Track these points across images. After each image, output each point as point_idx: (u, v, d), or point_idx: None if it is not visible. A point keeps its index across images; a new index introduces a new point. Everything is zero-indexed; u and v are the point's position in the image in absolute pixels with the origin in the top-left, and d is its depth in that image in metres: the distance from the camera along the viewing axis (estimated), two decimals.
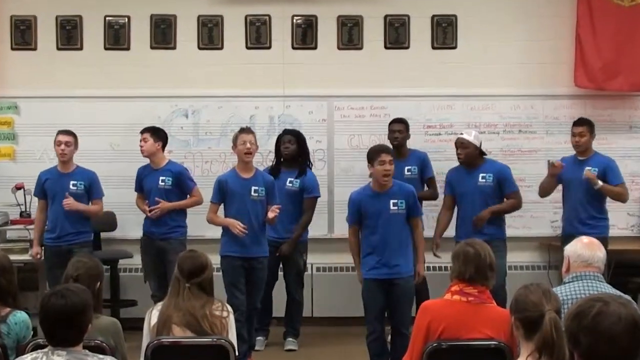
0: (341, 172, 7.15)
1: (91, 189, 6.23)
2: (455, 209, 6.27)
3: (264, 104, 7.16)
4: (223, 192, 5.83)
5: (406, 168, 6.47)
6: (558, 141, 7.06)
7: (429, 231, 6.28)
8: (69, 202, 6.06)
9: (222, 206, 5.89)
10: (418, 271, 5.48)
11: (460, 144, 6.15)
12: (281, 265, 6.47)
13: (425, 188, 6.64)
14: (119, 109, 7.07)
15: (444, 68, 7.20)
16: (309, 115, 7.17)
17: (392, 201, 5.37)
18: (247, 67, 7.18)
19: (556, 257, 6.63)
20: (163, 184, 6.24)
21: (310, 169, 6.53)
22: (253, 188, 5.83)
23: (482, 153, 6.21)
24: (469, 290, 3.51)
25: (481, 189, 6.08)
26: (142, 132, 6.33)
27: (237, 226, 5.72)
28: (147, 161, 6.35)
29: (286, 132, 6.57)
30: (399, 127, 6.58)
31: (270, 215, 5.76)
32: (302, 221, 6.42)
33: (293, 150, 6.42)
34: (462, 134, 6.25)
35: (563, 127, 7.05)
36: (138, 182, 6.35)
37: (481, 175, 6.12)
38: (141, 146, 6.27)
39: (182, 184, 6.30)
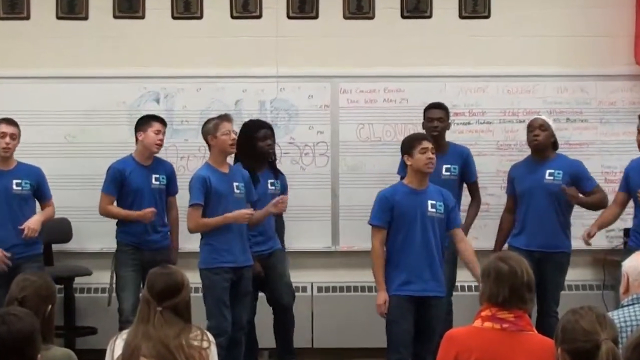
0: (348, 170, 7.16)
1: (40, 189, 6.20)
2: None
3: (252, 87, 7.16)
4: (207, 192, 5.84)
5: (444, 167, 6.38)
6: (615, 132, 7.08)
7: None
8: (29, 230, 5.99)
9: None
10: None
11: (539, 126, 6.25)
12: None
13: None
14: (75, 92, 7.07)
15: (474, 42, 7.21)
16: (308, 100, 7.18)
17: (430, 202, 5.41)
18: (232, 40, 7.19)
19: (613, 275, 6.62)
20: (158, 182, 6.28)
21: None
22: (235, 184, 5.90)
23: (555, 145, 6.29)
24: (503, 316, 3.50)
25: (547, 188, 6.14)
26: (160, 122, 6.27)
27: (243, 212, 5.74)
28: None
29: (261, 124, 6.45)
30: (439, 114, 6.51)
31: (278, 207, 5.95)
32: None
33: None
34: (539, 113, 6.44)
35: (621, 115, 7.06)
36: (117, 182, 6.25)
37: (548, 171, 6.18)
38: (160, 140, 6.22)
39: (172, 184, 6.39)
